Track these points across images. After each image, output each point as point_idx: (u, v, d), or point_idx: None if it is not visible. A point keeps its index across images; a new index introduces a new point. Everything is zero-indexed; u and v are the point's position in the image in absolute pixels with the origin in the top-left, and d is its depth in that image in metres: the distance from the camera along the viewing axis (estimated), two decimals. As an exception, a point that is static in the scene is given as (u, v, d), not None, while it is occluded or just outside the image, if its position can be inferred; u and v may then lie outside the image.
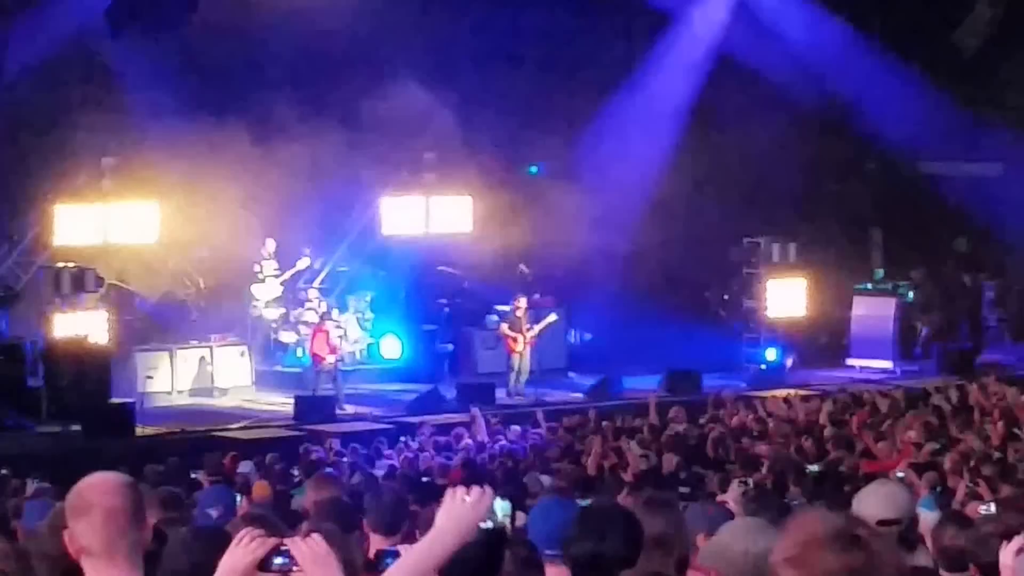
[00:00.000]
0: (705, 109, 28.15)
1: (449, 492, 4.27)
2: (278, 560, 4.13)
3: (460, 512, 4.18)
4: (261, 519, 6.88)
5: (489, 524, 4.32)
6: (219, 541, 4.45)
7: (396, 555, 4.77)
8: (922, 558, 6.67)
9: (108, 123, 24.66)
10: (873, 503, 6.79)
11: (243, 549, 4.15)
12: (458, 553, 4.93)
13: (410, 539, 5.70)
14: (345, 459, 17.20)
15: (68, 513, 4.18)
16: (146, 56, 24.71)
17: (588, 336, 27.98)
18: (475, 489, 4.26)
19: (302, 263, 25.69)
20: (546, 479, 13.24)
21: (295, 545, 4.14)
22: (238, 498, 10.99)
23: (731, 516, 6.83)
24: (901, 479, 10.47)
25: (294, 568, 4.12)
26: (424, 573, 4.15)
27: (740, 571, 5.22)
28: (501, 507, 4.35)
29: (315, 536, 4.22)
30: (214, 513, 8.70)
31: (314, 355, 23.61)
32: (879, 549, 3.49)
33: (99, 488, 4.18)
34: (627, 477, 13.80)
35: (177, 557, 5.14)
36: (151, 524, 4.34)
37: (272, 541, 4.17)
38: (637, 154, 27.94)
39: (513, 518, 5.89)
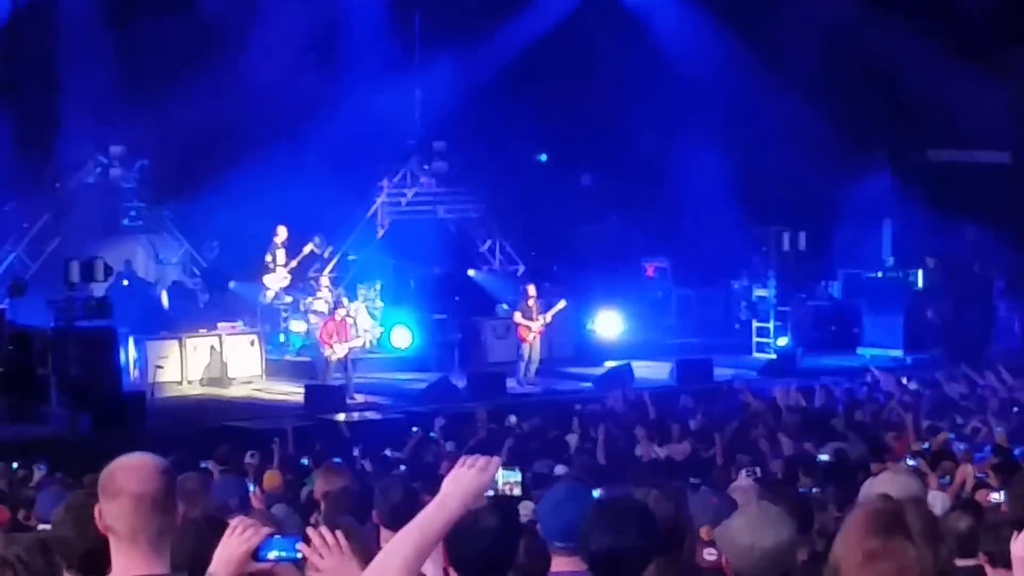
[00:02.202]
0: (712, 96, 28.13)
1: (460, 459, 4.25)
2: (273, 551, 4.12)
3: (466, 478, 4.17)
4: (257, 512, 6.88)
5: (491, 492, 4.31)
6: (216, 529, 4.44)
7: None
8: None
9: (115, 111, 24.66)
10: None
11: (237, 539, 4.17)
12: (471, 544, 4.91)
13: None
14: (355, 448, 17.16)
15: (100, 492, 4.20)
16: (151, 42, 24.71)
17: (597, 324, 27.91)
18: (483, 457, 4.23)
19: (307, 248, 25.67)
20: (560, 468, 13.18)
21: (304, 547, 4.12)
22: (251, 487, 10.98)
23: (735, 506, 6.80)
24: (912, 468, 10.45)
25: (294, 559, 4.11)
26: (429, 538, 4.13)
27: (748, 564, 5.18)
28: (504, 475, 4.33)
29: (323, 529, 4.21)
30: (231, 503, 8.70)
31: (324, 344, 23.59)
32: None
33: (132, 473, 4.18)
34: (636, 466, 13.78)
35: (176, 545, 5.14)
36: (180, 510, 4.34)
37: (265, 531, 4.18)
38: (648, 145, 27.93)
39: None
